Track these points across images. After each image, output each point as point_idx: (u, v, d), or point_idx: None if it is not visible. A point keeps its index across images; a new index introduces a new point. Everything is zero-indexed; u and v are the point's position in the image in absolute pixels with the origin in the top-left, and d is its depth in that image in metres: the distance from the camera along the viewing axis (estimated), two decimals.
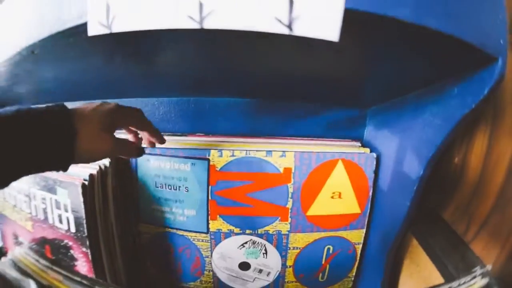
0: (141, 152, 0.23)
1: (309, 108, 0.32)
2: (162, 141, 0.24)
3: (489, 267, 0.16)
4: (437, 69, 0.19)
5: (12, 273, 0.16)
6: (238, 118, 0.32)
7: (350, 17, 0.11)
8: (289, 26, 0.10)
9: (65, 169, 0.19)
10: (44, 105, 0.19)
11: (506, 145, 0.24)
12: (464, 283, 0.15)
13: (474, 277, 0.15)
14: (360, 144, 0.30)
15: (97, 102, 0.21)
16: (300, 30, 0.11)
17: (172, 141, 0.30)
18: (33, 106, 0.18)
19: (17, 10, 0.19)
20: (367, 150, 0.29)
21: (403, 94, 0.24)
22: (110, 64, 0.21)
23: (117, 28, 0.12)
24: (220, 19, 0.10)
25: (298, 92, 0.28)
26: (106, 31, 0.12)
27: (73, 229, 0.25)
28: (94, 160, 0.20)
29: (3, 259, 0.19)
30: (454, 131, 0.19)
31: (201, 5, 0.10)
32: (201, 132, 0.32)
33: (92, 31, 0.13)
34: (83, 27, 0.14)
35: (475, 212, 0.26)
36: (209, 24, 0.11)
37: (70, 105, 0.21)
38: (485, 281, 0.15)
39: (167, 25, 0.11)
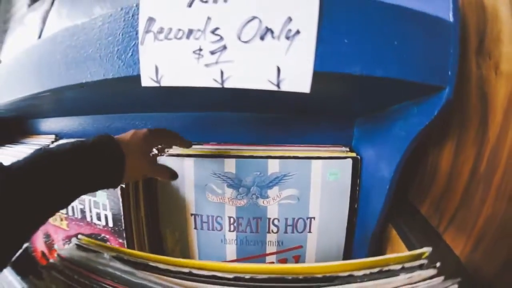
0: (175, 176, 0.29)
1: (305, 120, 0.38)
2: (189, 145, 0.31)
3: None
4: (398, 95, 0.25)
5: (81, 254, 0.23)
6: (244, 129, 0.39)
7: (319, 75, 0.18)
8: (278, 85, 0.17)
9: (116, 187, 0.24)
10: (91, 137, 0.24)
11: (470, 150, 0.30)
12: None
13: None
14: (348, 149, 0.37)
15: (131, 131, 0.27)
16: (285, 87, 0.17)
17: (189, 149, 0.37)
18: (81, 139, 0.23)
19: (76, 49, 0.25)
20: (353, 154, 0.35)
21: (380, 110, 0.30)
22: (144, 94, 0.28)
23: (165, 83, 0.19)
24: (235, 82, 0.17)
25: (296, 108, 0.35)
26: (156, 85, 0.19)
27: (110, 224, 0.33)
28: (137, 179, 0.26)
29: (66, 245, 0.26)
30: (413, 143, 0.25)
31: (222, 72, 0.17)
32: (214, 141, 0.40)
33: (144, 83, 0.20)
34: (135, 77, 0.20)
35: (445, 207, 0.32)
36: (228, 84, 0.17)
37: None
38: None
39: (200, 84, 0.18)
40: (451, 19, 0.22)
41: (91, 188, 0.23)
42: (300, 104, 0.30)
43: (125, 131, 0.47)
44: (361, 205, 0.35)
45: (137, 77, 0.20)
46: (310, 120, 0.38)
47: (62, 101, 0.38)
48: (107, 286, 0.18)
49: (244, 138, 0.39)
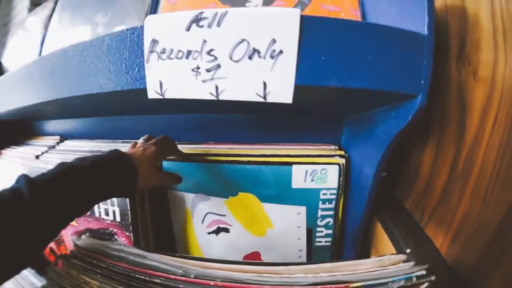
0: (180, 180, 0.34)
1: (297, 120, 0.42)
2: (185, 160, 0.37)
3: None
4: (376, 100, 0.28)
5: (96, 242, 0.28)
6: (240, 129, 0.43)
7: (300, 88, 0.21)
8: (264, 97, 0.21)
9: (130, 196, 0.29)
10: (106, 153, 0.28)
11: (448, 150, 0.33)
12: None
13: None
14: (337, 147, 0.40)
15: (141, 147, 0.31)
16: (270, 99, 0.21)
17: (189, 148, 0.41)
18: (97, 155, 0.27)
19: (86, 63, 0.28)
20: (342, 152, 0.39)
21: (364, 112, 0.34)
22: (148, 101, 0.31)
23: (168, 95, 0.22)
24: (228, 95, 0.21)
25: (288, 110, 0.38)
26: (160, 97, 0.23)
27: (118, 219, 0.37)
28: (147, 187, 0.31)
29: (83, 236, 0.31)
30: (392, 144, 0.29)
31: (217, 87, 0.21)
32: (212, 140, 0.43)
33: (150, 96, 0.23)
34: (142, 90, 0.24)
35: (426, 203, 0.36)
36: (222, 97, 0.21)
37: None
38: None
39: (198, 97, 0.21)
40: (425, 32, 0.24)
41: (108, 198, 0.28)
42: (291, 107, 0.34)
43: (128, 132, 0.51)
44: (350, 200, 0.39)
45: (144, 90, 0.24)
46: (302, 120, 0.42)
47: (69, 106, 0.42)
48: (122, 268, 0.22)
49: (240, 138, 0.43)
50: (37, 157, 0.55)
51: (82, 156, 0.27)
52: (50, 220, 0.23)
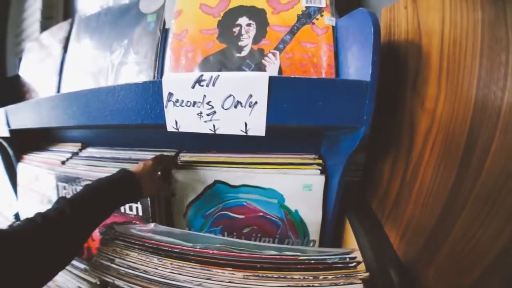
0: (170, 194, 0.51)
1: (285, 133, 0.55)
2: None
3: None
4: (333, 129, 0.41)
5: (130, 227, 0.43)
6: (236, 141, 0.57)
7: (270, 126, 0.35)
8: (246, 132, 0.35)
9: (137, 202, 0.45)
10: (116, 173, 0.43)
11: (401, 163, 0.44)
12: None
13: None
14: (317, 156, 0.54)
15: (141, 163, 0.46)
16: (250, 133, 0.35)
17: (194, 156, 0.55)
18: (110, 176, 0.42)
19: (118, 102, 0.42)
20: (320, 161, 0.52)
21: (334, 131, 0.47)
22: None
23: (182, 130, 0.37)
24: (222, 130, 0.35)
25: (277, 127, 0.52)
26: (176, 131, 0.37)
27: (140, 213, 0.52)
28: (151, 196, 0.47)
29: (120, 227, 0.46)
30: (350, 159, 0.42)
31: (214, 125, 0.35)
32: (213, 149, 0.58)
33: (169, 129, 0.38)
34: (162, 124, 0.38)
35: (385, 205, 0.48)
36: (218, 132, 0.35)
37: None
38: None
39: (202, 131, 0.35)
40: (369, 79, 0.34)
41: (122, 205, 0.44)
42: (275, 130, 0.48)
43: (143, 140, 0.65)
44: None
45: (164, 124, 0.38)
46: (288, 133, 0.55)
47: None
48: (152, 243, 0.37)
49: (236, 147, 0.57)
50: (62, 163, 0.70)
51: (103, 176, 0.42)
52: (85, 228, 0.37)
